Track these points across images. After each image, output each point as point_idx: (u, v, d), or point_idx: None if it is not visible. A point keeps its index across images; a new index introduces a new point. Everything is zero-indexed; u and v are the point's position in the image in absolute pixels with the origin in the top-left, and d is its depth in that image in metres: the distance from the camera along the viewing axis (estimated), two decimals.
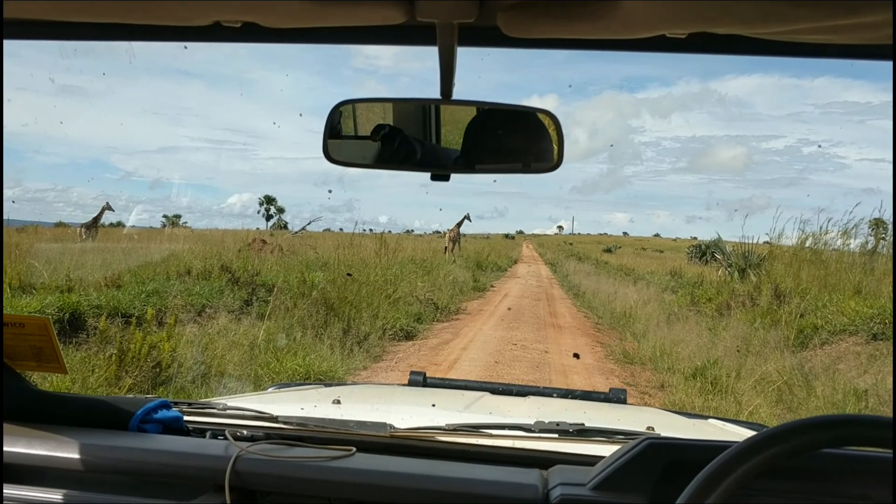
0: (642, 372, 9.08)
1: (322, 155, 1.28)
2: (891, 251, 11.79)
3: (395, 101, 1.29)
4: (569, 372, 8.65)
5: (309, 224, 31.77)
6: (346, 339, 9.14)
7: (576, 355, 8.72)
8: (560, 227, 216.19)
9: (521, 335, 11.51)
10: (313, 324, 9.23)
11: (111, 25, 1.05)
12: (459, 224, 31.57)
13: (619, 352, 10.19)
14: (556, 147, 1.24)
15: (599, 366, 9.35)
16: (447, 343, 10.45)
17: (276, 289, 10.02)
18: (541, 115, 1.24)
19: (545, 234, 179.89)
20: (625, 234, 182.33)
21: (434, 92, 1.18)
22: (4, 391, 1.42)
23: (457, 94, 1.16)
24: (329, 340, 8.77)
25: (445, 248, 28.57)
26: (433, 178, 1.24)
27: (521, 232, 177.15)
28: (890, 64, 1.06)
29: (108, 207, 21.31)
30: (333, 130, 1.29)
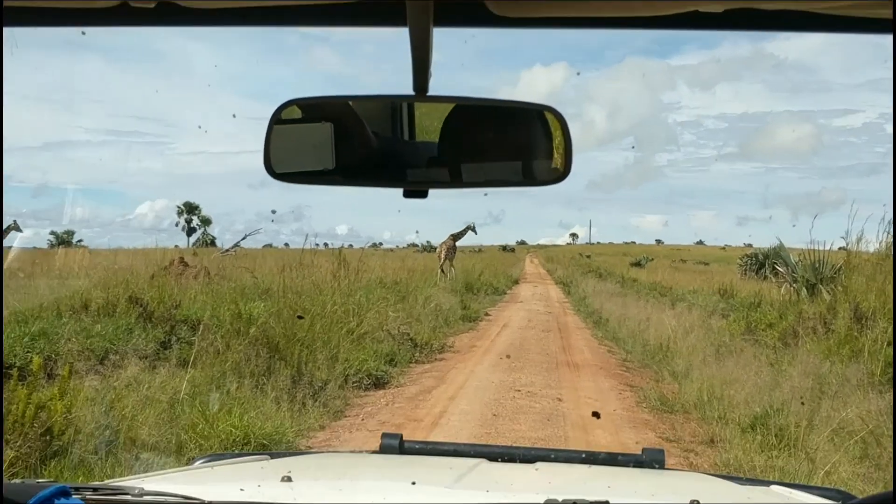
0: (685, 423, 9.13)
1: (265, 168, 1.31)
2: None
3: (354, 100, 1.32)
4: (590, 426, 8.68)
5: (244, 239, 31.64)
6: (297, 389, 9.12)
7: (595, 414, 8.75)
8: (574, 236, 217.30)
9: (526, 378, 11.55)
10: (252, 370, 9.20)
11: None
12: (458, 236, 31.58)
13: (654, 397, 10.25)
14: (562, 152, 1.27)
15: (629, 416, 9.39)
16: (429, 391, 10.45)
17: (202, 326, 9.99)
18: (544, 114, 1.28)
19: (555, 245, 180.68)
20: (658, 241, 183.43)
21: (406, 80, 1.21)
22: None
23: (435, 86, 1.19)
24: (274, 392, 8.75)
25: (441, 266, 28.59)
26: (407, 194, 1.27)
27: (522, 242, 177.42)
28: None
29: (14, 227, 21.10)
30: (276, 138, 1.32)
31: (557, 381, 11.46)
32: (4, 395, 6.09)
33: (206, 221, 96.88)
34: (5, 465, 5.62)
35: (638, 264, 56.46)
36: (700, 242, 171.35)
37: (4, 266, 16.67)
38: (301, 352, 10.10)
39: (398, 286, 19.10)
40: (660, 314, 17.27)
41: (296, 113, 1.34)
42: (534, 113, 1.28)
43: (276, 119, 1.34)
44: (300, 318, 10.64)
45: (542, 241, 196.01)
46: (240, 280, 15.19)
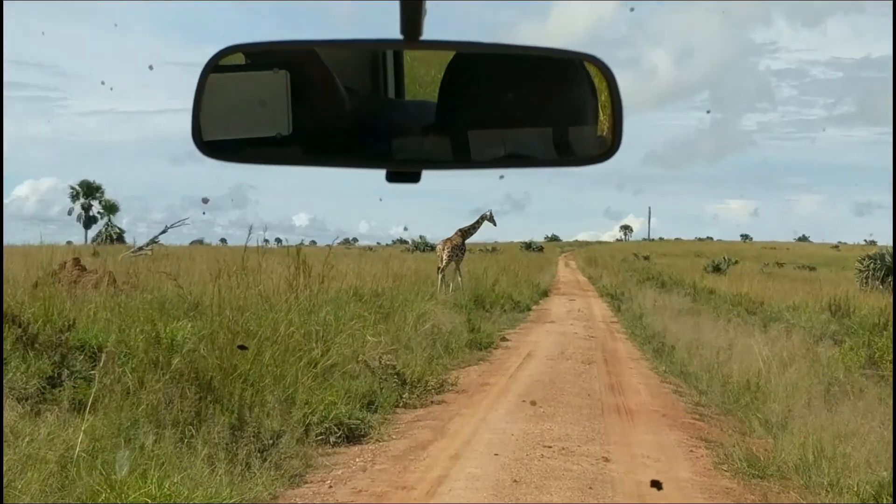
0: (782, 493, 9.12)
1: (194, 142, 1.31)
2: None
3: (320, 46, 1.30)
4: (650, 497, 8.67)
5: (164, 233, 31.81)
6: (238, 443, 9.11)
7: (656, 484, 8.73)
8: (626, 229, 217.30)
9: (559, 429, 11.53)
10: (176, 417, 9.19)
11: None
12: (468, 231, 31.34)
13: (739, 456, 10.24)
14: (608, 115, 1.25)
15: (704, 483, 9.37)
16: (424, 448, 10.42)
17: (104, 355, 9.98)
18: (584, 65, 1.24)
19: (599, 242, 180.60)
20: (745, 237, 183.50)
21: (392, 28, 1.19)
22: None
23: (431, 26, 1.17)
24: (207, 447, 8.74)
25: (439, 268, 28.65)
26: (391, 177, 1.24)
27: (554, 238, 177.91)
28: None
29: None
30: (211, 95, 1.31)
31: (603, 434, 11.44)
32: None
33: (110, 208, 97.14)
34: None
35: (716, 269, 56.40)
36: (804, 238, 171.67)
37: None
38: (244, 391, 10.09)
39: (380, 299, 19.05)
40: (747, 339, 17.25)
41: (239, 62, 1.32)
42: (570, 64, 1.25)
43: (213, 67, 1.31)
44: (242, 348, 10.62)
45: (582, 237, 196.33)
46: (158, 290, 15.18)
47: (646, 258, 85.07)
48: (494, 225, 32.48)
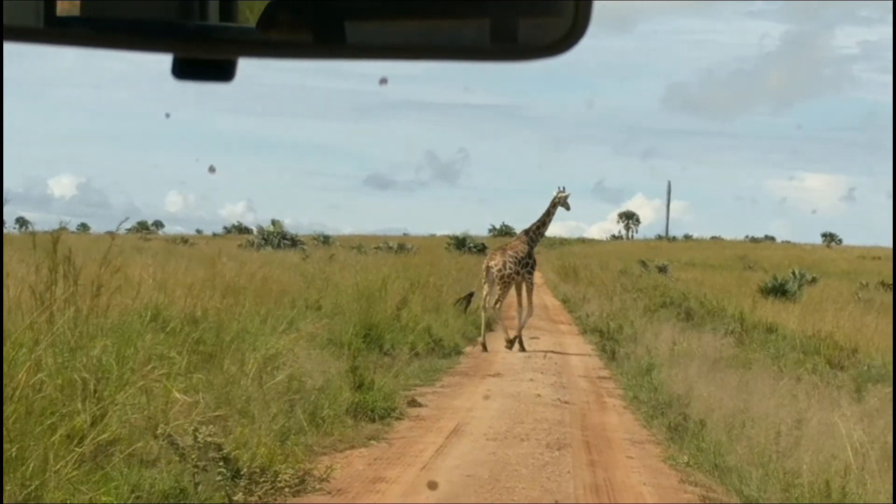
0: None
1: None
2: None
3: None
4: None
5: None
6: None
7: None
8: (628, 219, 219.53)
9: None
10: None
11: None
12: (537, 231, 31.92)
13: None
14: None
15: None
16: None
17: None
18: None
19: (583, 240, 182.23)
20: (830, 238, 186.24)
21: None
22: None
23: None
24: None
25: (491, 302, 28.93)
26: (180, 70, 1.22)
27: (506, 230, 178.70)
28: None
29: None
30: None
31: None
32: None
33: None
34: None
35: (780, 291, 57.21)
36: None
37: None
38: None
39: (198, 329, 18.98)
40: (827, 413, 17.48)
41: None
42: None
43: None
44: None
45: (554, 231, 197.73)
46: None
47: (661, 269, 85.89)
48: (567, 208, 33.38)
